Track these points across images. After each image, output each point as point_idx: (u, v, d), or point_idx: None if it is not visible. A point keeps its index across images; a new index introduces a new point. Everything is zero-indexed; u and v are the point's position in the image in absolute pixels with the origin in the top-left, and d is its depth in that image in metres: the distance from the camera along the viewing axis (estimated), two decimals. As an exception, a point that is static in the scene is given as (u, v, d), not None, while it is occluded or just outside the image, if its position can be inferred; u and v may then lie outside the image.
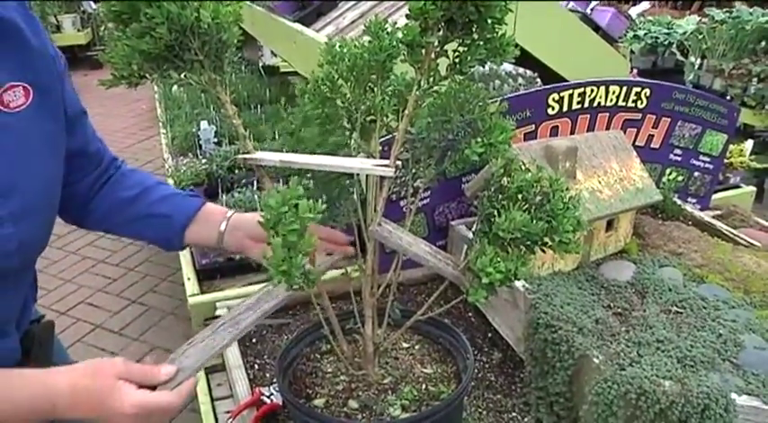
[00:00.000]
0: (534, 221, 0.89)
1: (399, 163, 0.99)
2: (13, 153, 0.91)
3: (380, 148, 1.10)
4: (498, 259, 0.89)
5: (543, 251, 0.94)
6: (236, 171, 2.76)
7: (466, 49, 0.92)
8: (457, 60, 0.94)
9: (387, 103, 1.05)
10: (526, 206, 0.92)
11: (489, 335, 1.63)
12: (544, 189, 0.91)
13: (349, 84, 1.06)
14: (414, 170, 1.08)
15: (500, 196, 0.95)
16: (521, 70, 3.56)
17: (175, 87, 4.04)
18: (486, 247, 0.91)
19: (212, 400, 1.52)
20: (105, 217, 1.20)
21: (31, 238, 0.97)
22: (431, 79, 0.93)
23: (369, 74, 1.03)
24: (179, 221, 1.17)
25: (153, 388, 0.89)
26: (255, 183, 2.61)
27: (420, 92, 0.94)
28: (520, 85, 3.14)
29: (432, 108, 1.02)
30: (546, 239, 0.91)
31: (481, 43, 0.91)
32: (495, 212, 0.92)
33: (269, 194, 0.84)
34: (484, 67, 2.08)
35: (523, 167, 0.96)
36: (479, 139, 0.97)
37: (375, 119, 1.07)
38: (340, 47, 1.05)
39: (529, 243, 0.92)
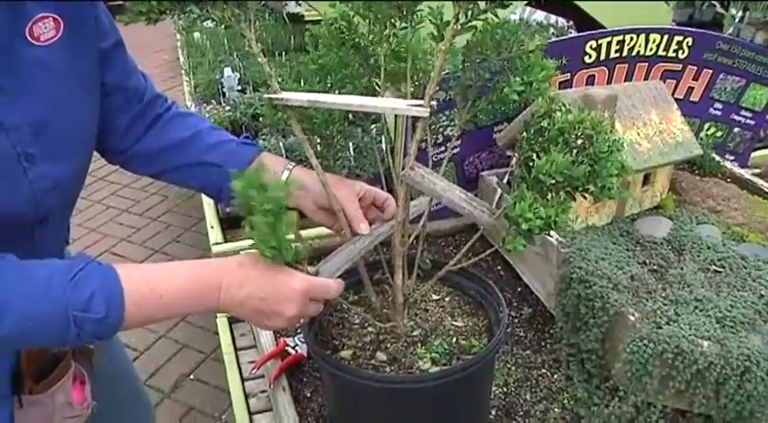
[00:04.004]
0: (576, 165, 0.84)
1: (434, 103, 0.93)
2: (46, 89, 0.86)
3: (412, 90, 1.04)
4: (538, 205, 0.85)
5: (584, 197, 0.89)
6: (261, 118, 2.72)
7: (510, -22, 0.84)
8: (499, -9, 0.86)
9: (418, 41, 0.97)
10: (567, 149, 0.86)
11: (519, 289, 1.59)
12: (587, 131, 0.85)
13: (367, 21, 0.98)
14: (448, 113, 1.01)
15: (540, 139, 0.89)
16: (553, 19, 3.44)
17: (198, 34, 3.98)
18: (525, 193, 0.86)
19: (236, 349, 1.51)
20: (153, 160, 1.11)
21: (66, 177, 0.92)
22: (469, 13, 0.86)
23: (387, 9, 0.94)
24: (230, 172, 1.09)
25: None
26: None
27: (458, 26, 0.86)
28: (552, 34, 3.04)
29: (468, 45, 0.95)
30: (588, 184, 0.86)
31: None
32: (535, 156, 0.87)
33: (234, 176, 0.77)
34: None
35: (564, 109, 0.90)
36: (519, 78, 0.90)
37: (406, 58, 1.00)
38: None
39: (569, 188, 0.86)
